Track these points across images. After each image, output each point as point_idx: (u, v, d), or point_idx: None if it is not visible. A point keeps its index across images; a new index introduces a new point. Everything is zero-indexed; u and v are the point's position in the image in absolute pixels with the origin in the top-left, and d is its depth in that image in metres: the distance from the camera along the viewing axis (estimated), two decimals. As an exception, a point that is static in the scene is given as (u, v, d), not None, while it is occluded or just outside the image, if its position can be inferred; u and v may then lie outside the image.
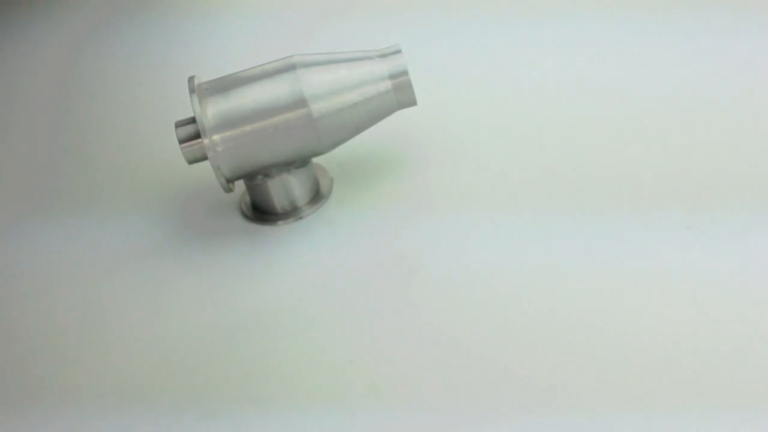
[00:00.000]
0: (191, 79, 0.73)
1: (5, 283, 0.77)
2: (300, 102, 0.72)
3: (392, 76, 0.73)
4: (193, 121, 0.73)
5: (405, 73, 0.73)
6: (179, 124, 0.73)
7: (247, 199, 0.79)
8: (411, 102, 0.74)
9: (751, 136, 0.74)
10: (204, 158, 0.73)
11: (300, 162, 0.75)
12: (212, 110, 0.72)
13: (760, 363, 0.59)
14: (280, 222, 0.76)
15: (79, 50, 1.02)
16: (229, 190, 0.74)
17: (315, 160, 0.79)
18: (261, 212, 0.77)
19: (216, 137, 0.72)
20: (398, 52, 0.73)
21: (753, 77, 0.79)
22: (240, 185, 0.80)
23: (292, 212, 0.76)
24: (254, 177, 0.75)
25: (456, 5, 0.92)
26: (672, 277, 0.65)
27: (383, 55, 0.73)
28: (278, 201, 0.76)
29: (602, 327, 0.63)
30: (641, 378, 0.60)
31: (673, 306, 0.63)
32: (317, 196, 0.77)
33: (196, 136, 0.73)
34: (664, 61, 0.83)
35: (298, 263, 0.72)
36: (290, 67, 0.73)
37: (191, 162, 0.74)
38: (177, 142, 0.74)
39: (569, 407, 0.59)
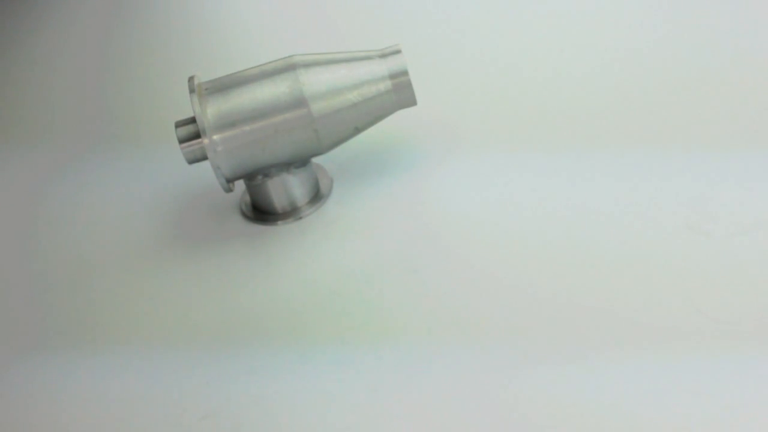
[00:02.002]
0: (191, 79, 0.73)
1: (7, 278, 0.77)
2: (300, 102, 0.72)
3: (392, 76, 0.73)
4: (193, 121, 0.73)
5: (405, 73, 0.73)
6: (179, 124, 0.73)
7: (247, 199, 0.79)
8: (411, 102, 0.74)
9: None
10: (204, 158, 0.73)
11: (300, 162, 0.75)
12: (212, 110, 0.72)
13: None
14: (280, 222, 0.76)
15: (75, 51, 1.02)
16: (229, 190, 0.74)
17: (315, 160, 0.79)
18: (261, 212, 0.77)
19: (216, 137, 0.72)
20: (398, 52, 0.73)
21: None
22: (240, 185, 0.80)
23: (292, 212, 0.76)
24: (254, 177, 0.75)
25: (455, 5, 0.92)
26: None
27: (383, 55, 0.73)
28: (278, 201, 0.76)
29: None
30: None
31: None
32: (317, 196, 0.77)
33: (196, 136, 0.73)
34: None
35: (298, 263, 0.72)
36: (290, 67, 0.73)
37: (191, 162, 0.74)
38: (177, 142, 0.74)
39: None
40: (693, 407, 0.57)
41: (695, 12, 0.85)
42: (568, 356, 0.61)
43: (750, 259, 0.64)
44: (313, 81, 0.72)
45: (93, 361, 0.69)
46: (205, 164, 0.75)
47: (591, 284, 0.65)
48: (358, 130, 0.74)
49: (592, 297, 0.64)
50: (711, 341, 0.60)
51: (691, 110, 0.76)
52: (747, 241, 0.65)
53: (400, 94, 0.73)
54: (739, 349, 0.59)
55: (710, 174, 0.71)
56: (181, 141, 0.73)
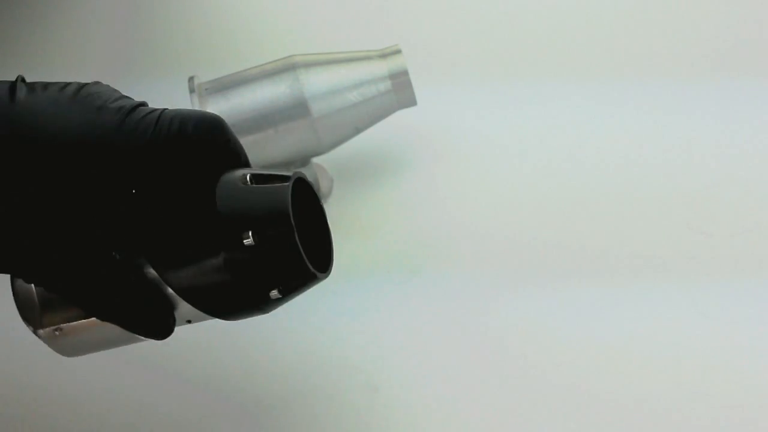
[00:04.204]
0: (191, 79, 0.73)
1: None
2: (300, 102, 0.72)
3: (392, 76, 0.73)
4: (193, 121, 0.73)
5: (405, 73, 0.73)
6: (179, 124, 0.73)
7: (247, 199, 0.79)
8: (411, 102, 0.74)
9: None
10: (204, 158, 0.73)
11: (300, 162, 0.75)
12: (212, 110, 0.72)
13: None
14: (280, 222, 0.76)
15: (75, 49, 1.02)
16: (229, 190, 0.74)
17: (315, 160, 0.79)
18: (261, 212, 0.77)
19: (216, 137, 0.72)
20: (398, 52, 0.73)
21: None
22: (240, 185, 0.79)
23: (292, 212, 0.76)
24: (254, 177, 0.75)
25: (456, 5, 0.92)
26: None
27: (383, 55, 0.73)
28: (278, 201, 0.76)
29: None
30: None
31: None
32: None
33: (196, 136, 0.73)
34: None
35: (298, 263, 0.72)
36: (290, 67, 0.73)
37: (191, 162, 0.74)
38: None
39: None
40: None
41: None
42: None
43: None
44: (313, 81, 0.72)
45: (90, 362, 0.69)
46: (205, 164, 0.75)
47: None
48: (358, 130, 0.74)
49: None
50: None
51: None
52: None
53: (400, 94, 0.73)
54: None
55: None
56: (182, 141, 0.73)
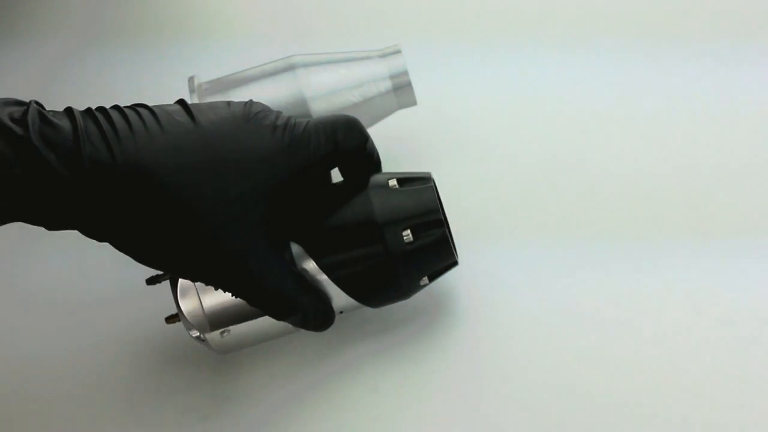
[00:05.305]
0: (191, 79, 0.73)
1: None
2: (300, 102, 0.72)
3: (392, 76, 0.73)
4: (193, 121, 0.73)
5: (405, 73, 0.73)
6: (179, 125, 0.74)
7: (247, 199, 0.79)
8: (411, 102, 0.74)
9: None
10: (204, 158, 0.73)
11: (300, 162, 0.75)
12: (212, 110, 0.72)
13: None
14: (280, 222, 0.76)
15: (73, 51, 1.02)
16: (229, 190, 0.75)
17: (315, 160, 0.79)
18: (261, 212, 0.77)
19: (216, 137, 0.72)
20: (398, 52, 0.73)
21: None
22: (240, 185, 0.79)
23: (292, 212, 0.76)
24: (254, 177, 0.75)
25: (456, 4, 0.92)
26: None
27: (383, 55, 0.73)
28: (278, 201, 0.76)
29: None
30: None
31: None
32: (317, 196, 0.78)
33: (196, 136, 0.73)
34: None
35: (298, 263, 0.72)
36: (290, 67, 0.73)
37: (191, 162, 0.74)
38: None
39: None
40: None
41: None
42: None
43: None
44: (313, 81, 0.72)
45: (90, 360, 0.69)
46: (205, 164, 0.74)
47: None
48: (358, 130, 0.74)
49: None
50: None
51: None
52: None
53: (400, 94, 0.73)
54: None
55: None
56: (182, 142, 0.73)
